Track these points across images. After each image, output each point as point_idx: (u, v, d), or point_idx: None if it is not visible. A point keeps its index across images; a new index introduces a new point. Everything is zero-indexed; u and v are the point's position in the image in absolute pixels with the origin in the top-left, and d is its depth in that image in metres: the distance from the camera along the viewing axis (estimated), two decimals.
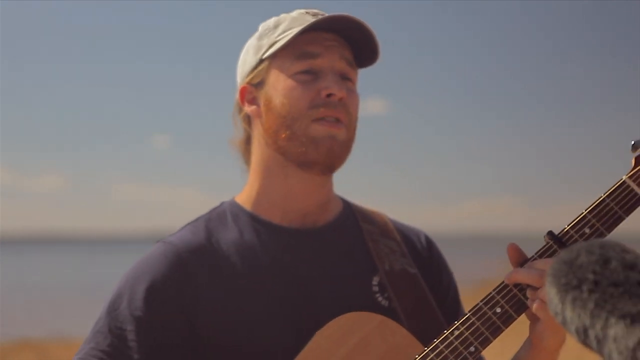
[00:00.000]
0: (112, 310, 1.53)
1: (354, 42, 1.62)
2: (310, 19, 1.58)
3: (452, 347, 1.43)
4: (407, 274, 1.63)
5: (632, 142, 1.45)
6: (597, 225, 1.43)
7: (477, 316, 1.44)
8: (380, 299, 1.59)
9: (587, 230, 1.43)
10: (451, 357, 1.43)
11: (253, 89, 1.63)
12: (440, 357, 1.43)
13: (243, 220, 1.62)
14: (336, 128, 1.56)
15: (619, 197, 1.43)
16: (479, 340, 1.43)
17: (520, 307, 1.44)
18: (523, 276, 1.42)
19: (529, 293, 1.42)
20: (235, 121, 1.68)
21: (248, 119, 1.66)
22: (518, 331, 1.60)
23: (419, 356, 1.45)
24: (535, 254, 1.45)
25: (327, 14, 1.59)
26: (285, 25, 1.60)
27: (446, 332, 1.45)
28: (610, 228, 1.43)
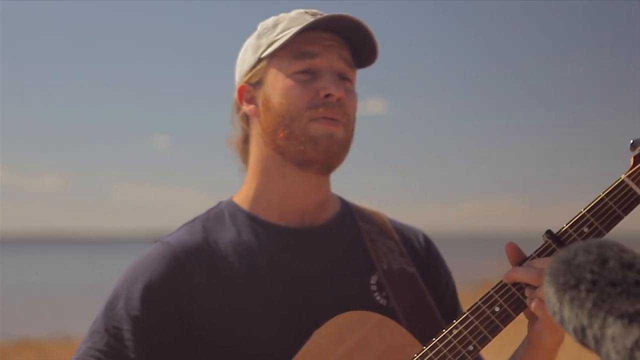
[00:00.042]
0: (109, 310, 1.53)
1: (352, 42, 1.62)
2: (309, 19, 1.58)
3: (451, 346, 1.43)
4: (405, 273, 1.63)
5: (631, 141, 1.45)
6: (596, 224, 1.43)
7: (475, 315, 1.44)
8: (378, 298, 1.59)
9: (585, 229, 1.43)
10: (450, 356, 1.43)
11: (251, 88, 1.63)
12: (439, 356, 1.43)
13: (241, 220, 1.62)
14: (334, 126, 1.56)
15: (618, 196, 1.43)
16: (477, 339, 1.43)
17: (519, 306, 1.44)
18: (521, 275, 1.42)
19: (527, 292, 1.43)
20: (233, 120, 1.68)
21: (246, 118, 1.66)
22: (517, 330, 1.60)
23: (417, 355, 1.45)
24: (534, 253, 1.45)
25: (326, 14, 1.59)
26: (284, 25, 1.60)
27: (445, 331, 1.45)
28: (608, 227, 1.43)
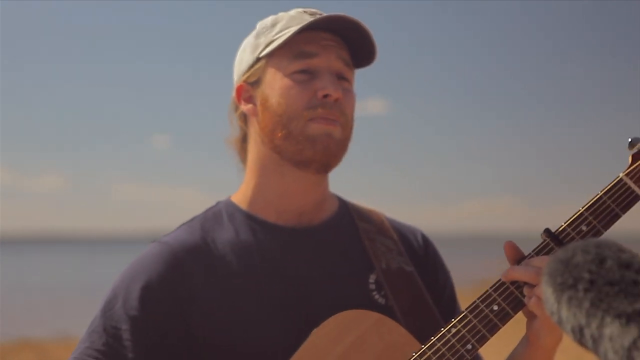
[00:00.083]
0: (108, 309, 1.53)
1: (351, 42, 1.62)
2: (308, 18, 1.58)
3: (449, 344, 1.43)
4: (403, 272, 1.63)
5: (629, 140, 1.45)
6: (594, 222, 1.43)
7: (474, 314, 1.44)
8: (376, 297, 1.59)
9: (584, 228, 1.43)
10: (448, 355, 1.43)
11: (250, 88, 1.63)
12: (438, 355, 1.43)
13: (239, 220, 1.62)
14: (332, 125, 1.56)
15: (616, 195, 1.43)
16: (476, 338, 1.43)
17: (517, 304, 1.44)
18: (520, 274, 1.42)
19: (525, 290, 1.42)
20: (231, 119, 1.68)
21: (244, 118, 1.66)
22: (515, 329, 1.60)
23: (416, 354, 1.45)
24: (532, 251, 1.45)
25: (325, 14, 1.58)
26: (283, 24, 1.59)
27: (443, 330, 1.45)
28: (607, 226, 1.43)
